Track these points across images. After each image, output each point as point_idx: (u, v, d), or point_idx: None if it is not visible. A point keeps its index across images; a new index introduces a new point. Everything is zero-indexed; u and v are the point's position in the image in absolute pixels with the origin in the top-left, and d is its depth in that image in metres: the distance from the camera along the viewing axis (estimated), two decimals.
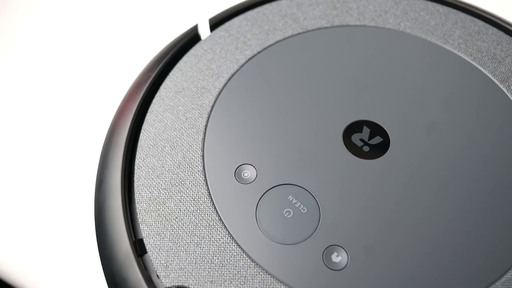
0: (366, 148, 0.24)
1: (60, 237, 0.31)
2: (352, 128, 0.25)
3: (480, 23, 0.29)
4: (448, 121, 0.25)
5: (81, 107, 0.36)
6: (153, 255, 0.21)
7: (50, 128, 0.35)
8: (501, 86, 0.26)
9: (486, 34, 0.28)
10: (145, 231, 0.22)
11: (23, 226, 0.31)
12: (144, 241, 0.22)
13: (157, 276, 0.21)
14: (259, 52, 0.28)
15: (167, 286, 0.21)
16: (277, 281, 0.20)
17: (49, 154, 0.34)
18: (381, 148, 0.24)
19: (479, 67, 0.27)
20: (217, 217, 0.22)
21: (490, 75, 0.26)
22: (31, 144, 0.35)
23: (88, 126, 0.35)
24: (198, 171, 0.23)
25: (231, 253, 0.21)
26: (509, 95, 0.25)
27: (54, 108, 0.36)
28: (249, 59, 0.28)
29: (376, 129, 0.25)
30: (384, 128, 0.25)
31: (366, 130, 0.25)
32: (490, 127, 0.24)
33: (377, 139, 0.24)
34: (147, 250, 0.22)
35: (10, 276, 0.30)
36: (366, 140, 0.24)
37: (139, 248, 0.22)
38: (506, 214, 0.22)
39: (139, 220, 0.22)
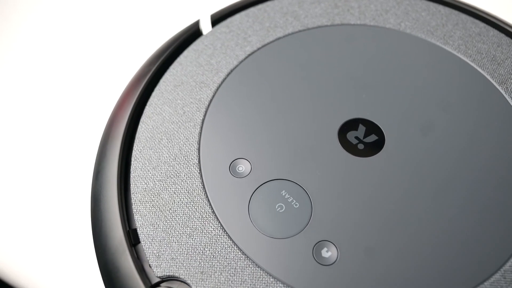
0: (361, 146, 0.24)
1: (58, 231, 0.31)
2: (348, 126, 0.25)
3: (482, 24, 0.29)
4: (444, 121, 0.25)
5: (82, 100, 0.37)
6: (146, 245, 0.22)
7: (51, 119, 0.36)
8: (499, 88, 0.26)
9: (486, 36, 0.28)
10: (139, 221, 0.22)
11: (21, 222, 0.32)
12: (138, 231, 0.22)
13: (149, 265, 0.21)
14: (259, 49, 0.28)
15: (158, 275, 0.21)
16: (266, 274, 0.20)
17: (50, 147, 0.34)
18: (375, 147, 0.24)
19: (478, 68, 0.27)
20: (210, 210, 0.22)
21: (488, 77, 0.26)
22: (32, 139, 0.35)
23: (89, 118, 0.35)
24: (194, 164, 0.24)
25: (222, 245, 0.21)
26: (506, 96, 0.25)
27: (56, 100, 0.37)
28: (249, 55, 0.28)
29: (372, 128, 0.25)
30: (380, 126, 0.25)
31: (361, 128, 0.25)
32: (487, 128, 0.24)
33: (372, 138, 0.24)
34: (140, 240, 0.22)
35: (9, 275, 0.30)
36: (361, 138, 0.24)
37: (132, 238, 0.22)
38: (497, 216, 0.22)
39: (133, 210, 0.23)
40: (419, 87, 0.26)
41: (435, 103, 0.25)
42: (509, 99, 0.25)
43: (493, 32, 0.28)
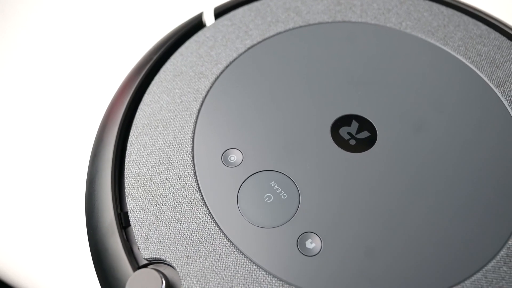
0: (352, 142, 0.24)
1: (57, 225, 0.31)
2: (341, 122, 0.25)
3: (483, 27, 0.29)
4: (438, 121, 0.25)
5: (85, 87, 0.37)
6: (136, 228, 0.22)
7: (54, 104, 0.37)
8: (496, 90, 0.26)
9: (487, 38, 0.28)
10: (131, 205, 0.23)
11: (20, 216, 0.32)
12: (129, 214, 0.23)
13: (138, 248, 0.22)
14: (259, 42, 0.29)
15: (146, 257, 0.21)
16: (250, 261, 0.21)
17: (51, 137, 0.35)
18: (367, 143, 0.24)
19: (476, 70, 0.27)
20: (199, 197, 0.23)
21: (486, 79, 0.26)
22: (33, 128, 0.36)
23: (90, 104, 0.36)
24: (187, 152, 0.24)
25: (209, 232, 0.22)
26: (503, 99, 0.25)
27: (59, 85, 0.38)
28: (248, 48, 0.28)
29: (365, 124, 0.25)
30: (373, 123, 0.25)
31: (354, 124, 0.25)
32: (480, 130, 0.24)
33: (365, 134, 0.25)
34: (131, 223, 0.22)
35: (9, 275, 0.31)
36: (354, 134, 0.25)
37: (124, 220, 0.23)
38: (481, 215, 0.22)
39: (126, 194, 0.23)
40: (416, 86, 0.26)
41: (430, 103, 0.26)
42: (505, 102, 0.25)
43: (495, 34, 0.28)
